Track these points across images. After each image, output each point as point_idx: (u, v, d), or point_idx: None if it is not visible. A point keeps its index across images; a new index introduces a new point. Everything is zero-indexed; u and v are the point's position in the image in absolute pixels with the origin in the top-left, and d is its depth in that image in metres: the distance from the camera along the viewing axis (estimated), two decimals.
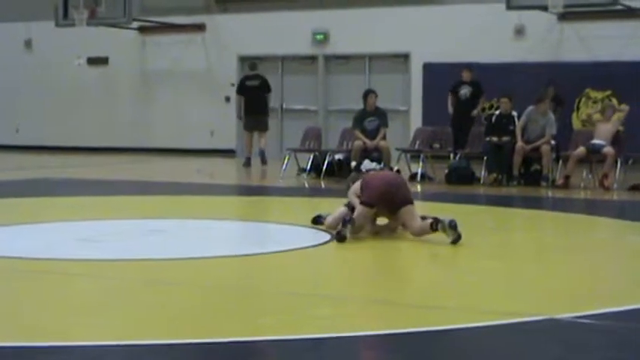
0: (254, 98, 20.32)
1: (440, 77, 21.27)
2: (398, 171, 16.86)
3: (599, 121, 15.95)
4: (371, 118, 16.97)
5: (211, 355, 4.92)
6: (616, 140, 15.52)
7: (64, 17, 24.36)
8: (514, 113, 16.19)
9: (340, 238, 8.59)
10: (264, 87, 20.41)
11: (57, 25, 24.53)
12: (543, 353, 4.90)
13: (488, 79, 20.56)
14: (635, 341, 5.31)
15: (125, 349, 4.96)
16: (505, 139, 15.96)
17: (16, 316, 5.83)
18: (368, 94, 17.31)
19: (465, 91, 18.63)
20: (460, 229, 8.49)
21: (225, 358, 4.85)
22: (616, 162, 15.32)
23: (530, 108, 15.86)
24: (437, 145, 17.54)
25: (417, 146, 17.76)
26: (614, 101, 19.59)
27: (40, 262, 7.90)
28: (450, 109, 18.69)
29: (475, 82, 18.72)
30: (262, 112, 20.31)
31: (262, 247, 8.62)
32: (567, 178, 15.23)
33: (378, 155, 16.66)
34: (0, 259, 7.84)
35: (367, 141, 16.68)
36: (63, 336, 5.23)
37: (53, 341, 5.09)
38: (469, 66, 19.11)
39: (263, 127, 20.33)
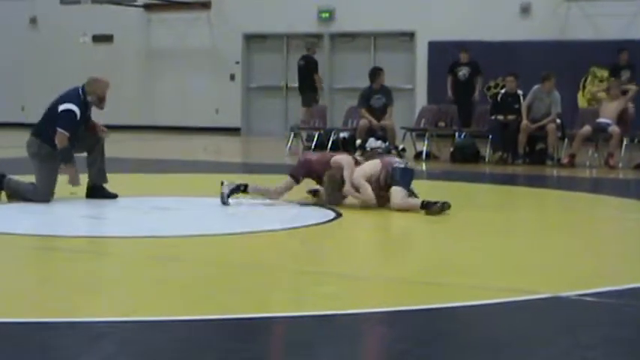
0: (300, 77, 20.61)
1: (445, 56, 21.21)
2: (403, 149, 16.89)
3: (605, 99, 15.91)
4: (377, 95, 16.95)
5: (218, 332, 4.95)
6: (622, 119, 15.49)
7: None
8: (520, 92, 16.17)
9: None
10: (309, 66, 20.53)
11: (62, 2, 24.48)
12: (547, 330, 4.92)
13: (494, 57, 20.56)
14: (638, 319, 5.33)
15: (130, 325, 4.98)
16: (511, 117, 15.94)
17: (23, 292, 5.86)
18: (378, 71, 17.27)
19: (464, 71, 18.64)
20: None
21: (231, 335, 4.88)
22: (621, 141, 15.30)
23: (537, 87, 15.84)
24: (442, 124, 17.53)
25: (422, 125, 17.74)
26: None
27: (46, 239, 7.94)
28: (449, 93, 18.67)
29: (473, 63, 18.73)
30: (306, 89, 20.40)
31: (268, 225, 8.63)
32: (573, 156, 15.23)
33: (383, 134, 16.65)
34: (6, 235, 7.87)
35: (373, 120, 16.65)
36: (68, 312, 5.26)
37: (59, 317, 5.12)
38: (465, 46, 19.13)
39: (305, 102, 20.33)
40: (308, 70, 20.47)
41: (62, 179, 9.73)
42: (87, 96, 9.72)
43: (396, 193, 9.35)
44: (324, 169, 9.63)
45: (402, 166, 9.66)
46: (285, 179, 9.91)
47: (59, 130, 9.46)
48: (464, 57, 18.77)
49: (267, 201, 9.87)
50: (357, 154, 15.47)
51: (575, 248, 7.78)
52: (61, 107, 9.56)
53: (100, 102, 9.86)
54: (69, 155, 9.58)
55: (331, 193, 9.58)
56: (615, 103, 15.60)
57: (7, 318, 5.09)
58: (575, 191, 12.37)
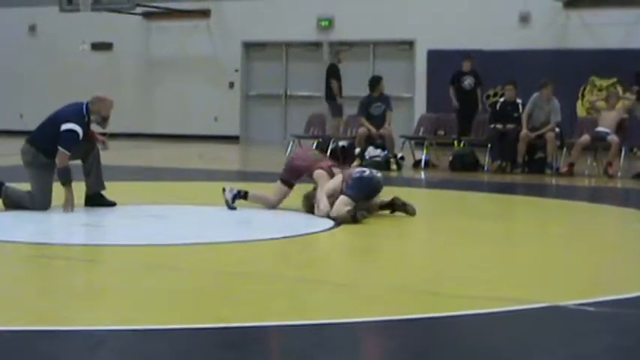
0: (325, 86, 19.75)
1: (444, 64, 21.21)
2: (402, 158, 16.90)
3: (603, 108, 15.92)
4: (377, 104, 16.95)
5: (214, 341, 4.93)
6: (620, 128, 15.49)
7: (69, 2, 24.30)
8: (519, 100, 16.16)
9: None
10: (328, 73, 19.75)
11: (61, 10, 24.48)
12: (546, 340, 4.90)
13: (493, 66, 20.56)
14: (637, 328, 5.31)
15: (127, 333, 4.97)
16: (510, 126, 15.94)
17: (20, 300, 5.84)
18: (380, 80, 17.24)
19: (468, 81, 18.32)
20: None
21: (227, 344, 4.86)
22: (620, 150, 15.30)
23: (535, 95, 15.83)
24: (441, 132, 17.53)
25: (421, 133, 17.75)
26: (619, 89, 19.56)
27: (43, 247, 7.92)
28: (455, 102, 18.39)
29: (475, 72, 18.56)
30: (327, 98, 19.61)
31: (266, 233, 8.62)
32: (571, 165, 15.21)
33: (382, 142, 16.64)
34: (3, 243, 7.85)
35: (372, 128, 16.65)
36: (65, 320, 5.24)
37: (56, 326, 5.10)
38: (469, 55, 18.93)
39: (330, 112, 19.57)
40: (328, 77, 19.66)
41: (58, 189, 9.71)
42: (90, 115, 9.70)
43: (337, 202, 9.28)
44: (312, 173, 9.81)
45: (358, 175, 9.46)
46: (278, 186, 9.99)
47: (60, 149, 9.44)
48: (467, 65, 18.49)
49: (266, 209, 9.88)
50: (356, 164, 15.57)
51: (573, 257, 7.77)
52: (64, 127, 9.48)
53: (104, 121, 9.84)
54: (68, 177, 9.52)
55: (309, 210, 9.72)
56: (614, 112, 15.61)
57: (4, 326, 5.07)
58: (574, 200, 12.36)
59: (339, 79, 19.43)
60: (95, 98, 9.83)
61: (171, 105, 25.35)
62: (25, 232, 8.58)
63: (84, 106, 9.73)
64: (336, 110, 19.33)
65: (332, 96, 19.43)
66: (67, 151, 9.46)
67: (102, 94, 10.09)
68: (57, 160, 9.46)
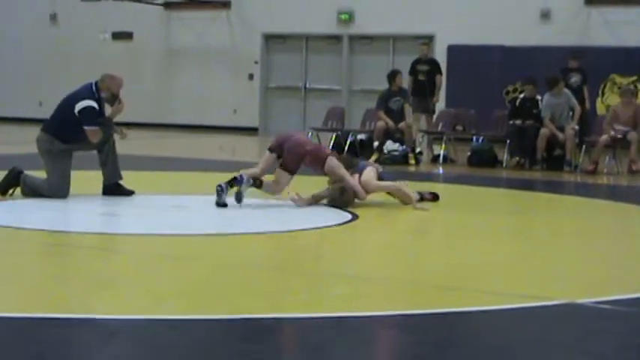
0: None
1: (464, 59, 21.18)
2: (420, 153, 16.89)
3: (620, 106, 15.77)
4: (396, 97, 16.91)
5: (230, 332, 4.95)
6: (638, 124, 15.38)
7: None
8: (538, 97, 16.10)
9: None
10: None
11: None
12: (562, 337, 4.90)
13: (513, 62, 20.49)
14: None
15: (144, 323, 4.99)
16: (529, 122, 15.89)
17: (36, 288, 5.87)
18: (397, 74, 17.14)
19: (575, 79, 17.11)
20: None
21: (244, 335, 4.87)
22: None
23: (547, 96, 15.74)
24: (459, 128, 17.47)
25: (439, 128, 17.71)
26: (639, 87, 19.45)
27: (62, 235, 7.95)
28: None
29: (583, 70, 17.53)
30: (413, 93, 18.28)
31: (284, 226, 8.63)
32: (596, 164, 15.10)
33: (401, 136, 16.61)
34: (22, 231, 7.89)
35: (390, 122, 16.62)
36: (82, 309, 5.27)
37: (72, 314, 5.13)
38: (576, 53, 17.98)
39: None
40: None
41: (76, 177, 9.75)
42: (100, 92, 9.76)
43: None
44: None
45: None
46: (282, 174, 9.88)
47: (87, 128, 9.55)
48: (573, 63, 17.59)
49: (285, 201, 9.85)
50: (374, 158, 15.56)
51: (591, 255, 7.75)
52: (78, 106, 9.58)
53: (114, 98, 9.89)
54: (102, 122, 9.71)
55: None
56: (630, 109, 15.49)
57: (20, 313, 5.10)
58: (592, 198, 12.32)
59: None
60: (105, 75, 9.90)
61: (190, 95, 25.37)
62: (43, 220, 8.62)
63: (93, 83, 9.80)
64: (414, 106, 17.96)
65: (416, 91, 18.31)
66: (94, 127, 9.55)
67: (112, 72, 10.14)
68: (90, 138, 9.57)
